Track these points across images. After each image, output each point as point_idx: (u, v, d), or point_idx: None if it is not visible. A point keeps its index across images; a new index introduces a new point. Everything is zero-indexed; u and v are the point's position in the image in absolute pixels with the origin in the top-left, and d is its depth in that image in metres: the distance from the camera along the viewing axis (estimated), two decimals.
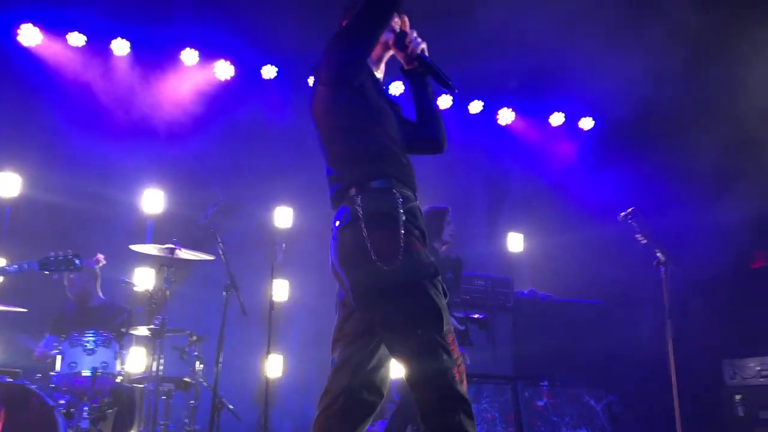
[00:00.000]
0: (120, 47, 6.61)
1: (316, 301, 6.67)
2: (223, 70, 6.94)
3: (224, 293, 4.97)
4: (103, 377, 4.39)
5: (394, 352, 2.30)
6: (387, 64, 2.73)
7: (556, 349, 6.02)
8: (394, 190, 2.34)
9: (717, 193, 6.21)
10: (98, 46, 6.58)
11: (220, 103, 6.92)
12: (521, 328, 6.17)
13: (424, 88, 2.70)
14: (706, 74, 6.19)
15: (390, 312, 2.25)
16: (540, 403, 5.88)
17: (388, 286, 2.23)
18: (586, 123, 7.98)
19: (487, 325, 5.45)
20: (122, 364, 4.61)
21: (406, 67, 2.70)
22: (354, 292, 2.32)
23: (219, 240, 5.07)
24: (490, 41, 6.41)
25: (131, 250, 5.00)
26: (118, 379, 4.53)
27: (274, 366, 6.38)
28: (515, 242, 7.74)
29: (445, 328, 2.24)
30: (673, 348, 4.47)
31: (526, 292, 6.55)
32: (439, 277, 2.31)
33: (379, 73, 2.67)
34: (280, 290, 6.68)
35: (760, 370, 5.92)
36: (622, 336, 6.16)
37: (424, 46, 2.62)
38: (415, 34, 2.61)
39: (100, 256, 3.91)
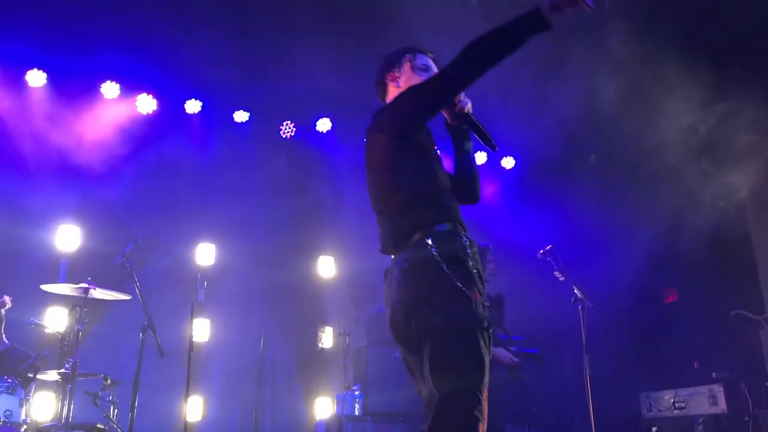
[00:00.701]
0: (36, 78, 6.38)
1: (240, 339, 6.53)
2: (146, 103, 6.80)
3: (141, 334, 4.79)
4: (6, 427, 4.14)
5: (433, 390, 2.34)
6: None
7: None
8: (461, 234, 2.49)
9: (632, 230, 6.46)
10: (12, 77, 6.33)
11: (141, 137, 6.75)
12: None
13: (465, 145, 2.83)
14: (626, 117, 6.47)
15: (439, 353, 2.34)
16: None
17: (446, 328, 2.34)
18: (508, 162, 8.21)
19: (540, 360, 5.47)
20: (28, 412, 4.34)
21: (450, 123, 2.81)
22: (417, 331, 2.40)
23: (136, 279, 4.91)
24: None
25: (42, 290, 4.77)
26: (23, 429, 4.27)
27: (193, 408, 6.16)
28: None
29: (484, 382, 2.32)
30: (591, 383, 4.57)
31: None
32: (490, 331, 2.40)
33: None
34: (201, 330, 6.49)
35: (674, 402, 6.14)
36: (544, 372, 6.27)
37: (470, 105, 2.75)
38: (463, 95, 2.72)
39: (7, 298, 3.68)
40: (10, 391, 4.22)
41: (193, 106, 6.99)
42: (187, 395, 4.93)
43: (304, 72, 6.62)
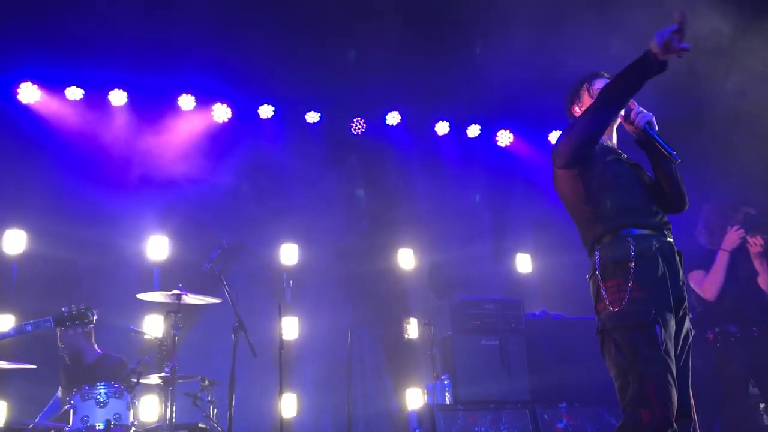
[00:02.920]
0: (117, 97, 6.70)
1: (327, 334, 6.65)
2: (221, 112, 7.02)
3: (233, 335, 4.95)
4: (116, 429, 4.35)
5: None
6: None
7: (573, 368, 5.93)
8: (628, 239, 2.76)
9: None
10: (96, 98, 6.67)
11: (219, 145, 6.98)
12: (535, 350, 6.10)
13: (657, 156, 2.97)
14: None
15: (610, 351, 2.71)
16: (560, 426, 5.79)
17: (612, 328, 2.69)
18: None
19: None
20: (135, 414, 4.58)
21: (636, 137, 3.01)
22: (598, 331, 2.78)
23: (224, 283, 5.07)
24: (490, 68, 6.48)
25: (138, 298, 5.01)
26: (132, 430, 4.49)
27: (288, 405, 6.33)
28: (523, 263, 7.70)
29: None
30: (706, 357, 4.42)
31: (537, 313, 6.49)
32: (660, 322, 2.63)
33: (611, 141, 3.10)
34: (290, 328, 6.65)
35: None
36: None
37: (650, 119, 2.90)
38: (640, 108, 2.91)
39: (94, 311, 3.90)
40: (118, 395, 4.44)
41: (265, 111, 7.16)
42: (281, 392, 5.08)
43: (371, 67, 6.67)
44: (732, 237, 4.83)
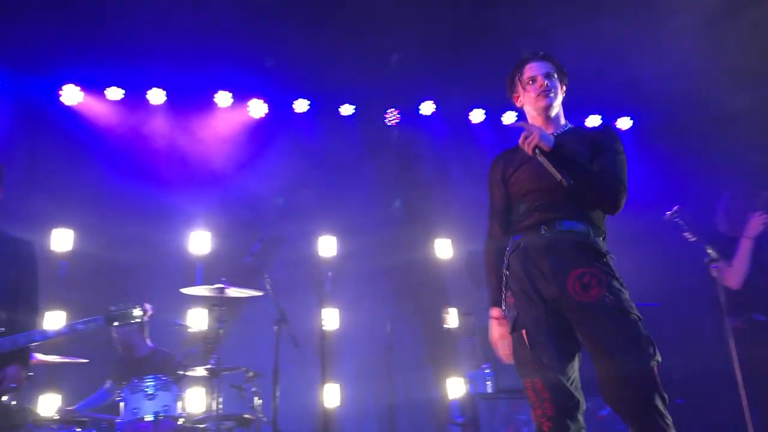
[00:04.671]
0: (156, 96, 6.83)
1: (367, 325, 6.70)
2: (257, 108, 7.10)
3: (275, 327, 5.03)
4: (165, 420, 4.47)
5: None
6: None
7: None
8: (513, 240, 3.00)
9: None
10: (136, 98, 6.81)
11: (256, 140, 7.07)
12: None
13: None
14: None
15: None
16: (603, 413, 5.73)
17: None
18: (624, 123, 7.87)
19: None
20: (183, 406, 4.69)
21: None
22: None
23: (266, 276, 5.15)
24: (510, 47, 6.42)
25: (182, 292, 5.12)
26: (180, 422, 4.60)
27: (330, 395, 6.40)
28: None
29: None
30: (737, 347, 4.32)
31: None
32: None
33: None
34: (331, 319, 6.72)
35: None
36: (682, 337, 5.99)
37: (534, 142, 2.81)
38: (526, 138, 2.83)
39: (147, 306, 3.99)
40: (165, 388, 4.56)
41: (301, 105, 7.22)
42: (323, 383, 5.15)
43: (403, 57, 6.67)
44: (755, 223, 4.70)
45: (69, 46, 6.22)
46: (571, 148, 2.88)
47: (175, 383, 4.65)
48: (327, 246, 7.04)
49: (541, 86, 3.02)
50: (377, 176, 7.37)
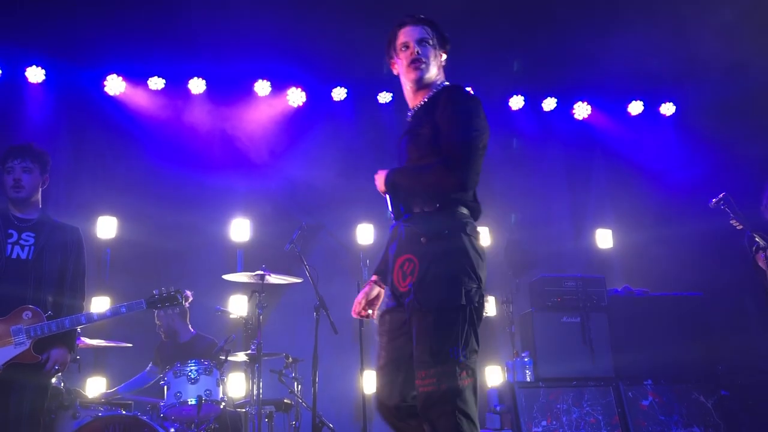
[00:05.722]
0: (197, 86, 6.91)
1: None
2: (295, 96, 7.14)
3: (315, 314, 5.07)
4: (207, 404, 4.56)
5: None
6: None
7: (657, 345, 5.80)
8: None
9: None
10: (177, 87, 6.91)
11: (294, 129, 7.11)
12: (618, 327, 5.98)
13: None
14: None
15: None
16: (645, 403, 5.67)
17: None
18: (667, 109, 7.69)
19: None
20: (224, 390, 4.77)
21: None
22: None
23: (305, 263, 5.18)
24: (566, 39, 6.34)
25: (224, 279, 5.20)
26: (222, 405, 4.68)
27: (369, 381, 6.43)
28: (604, 239, 7.51)
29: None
30: None
31: (620, 289, 6.34)
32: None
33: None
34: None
35: None
36: (727, 327, 5.87)
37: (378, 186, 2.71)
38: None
39: (188, 293, 4.06)
40: (208, 372, 4.64)
41: (339, 94, 7.23)
42: (362, 369, 5.17)
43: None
44: None
45: (112, 38, 6.34)
46: (400, 173, 2.68)
47: (217, 368, 4.73)
48: (364, 234, 7.06)
49: (412, 54, 2.75)
50: None
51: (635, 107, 7.66)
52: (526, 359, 5.71)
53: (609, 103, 7.68)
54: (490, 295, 6.95)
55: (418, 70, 2.74)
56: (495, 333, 6.78)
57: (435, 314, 2.46)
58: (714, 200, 4.66)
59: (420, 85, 2.78)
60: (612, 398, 5.62)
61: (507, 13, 6.32)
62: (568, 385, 5.59)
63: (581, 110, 7.64)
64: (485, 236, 7.28)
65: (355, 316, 2.88)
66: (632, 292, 6.31)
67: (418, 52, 2.74)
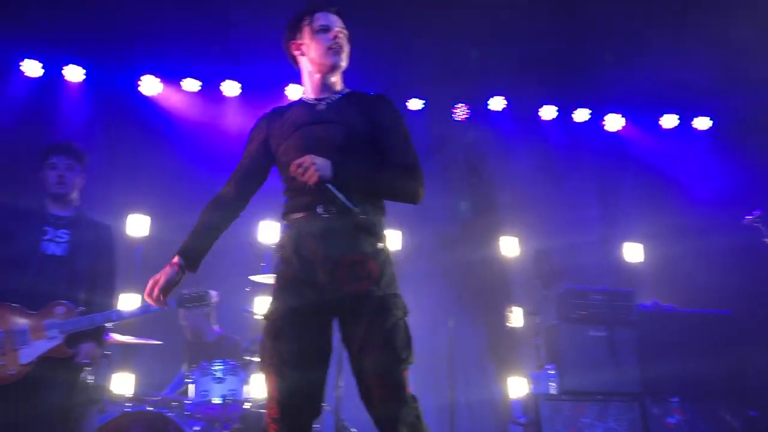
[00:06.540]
0: (231, 88, 7.00)
1: (429, 320, 6.69)
2: None
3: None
4: (232, 404, 4.60)
5: None
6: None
7: (687, 362, 5.72)
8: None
9: None
10: (211, 89, 7.00)
11: None
12: (646, 342, 5.90)
13: None
14: None
15: None
16: (671, 421, 5.59)
17: None
18: (702, 123, 7.59)
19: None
20: (249, 390, 4.81)
21: None
22: None
23: None
24: (602, 50, 6.31)
25: (251, 280, 5.24)
26: (247, 405, 4.72)
27: None
28: (633, 252, 7.43)
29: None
30: None
31: (648, 304, 6.26)
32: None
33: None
34: None
35: None
36: (757, 346, 5.76)
37: (314, 179, 2.55)
38: (303, 172, 2.57)
39: (214, 293, 4.11)
40: (233, 372, 4.68)
41: None
42: None
43: (473, 52, 6.62)
44: None
45: (148, 39, 6.44)
46: (355, 164, 2.55)
47: (242, 368, 4.77)
48: (392, 240, 7.06)
49: (336, 37, 2.68)
50: (444, 171, 7.34)
51: (669, 120, 7.57)
52: (551, 371, 5.66)
53: (641, 116, 7.61)
54: (516, 305, 6.92)
55: (338, 56, 2.70)
56: (520, 345, 6.74)
57: (400, 316, 2.50)
58: (749, 217, 4.59)
59: (333, 73, 2.73)
60: (637, 414, 5.55)
61: (541, 23, 6.30)
62: (593, 399, 5.54)
63: (613, 122, 7.57)
64: (513, 246, 7.25)
65: (150, 302, 2.69)
66: (661, 307, 6.23)
67: (340, 39, 2.70)
